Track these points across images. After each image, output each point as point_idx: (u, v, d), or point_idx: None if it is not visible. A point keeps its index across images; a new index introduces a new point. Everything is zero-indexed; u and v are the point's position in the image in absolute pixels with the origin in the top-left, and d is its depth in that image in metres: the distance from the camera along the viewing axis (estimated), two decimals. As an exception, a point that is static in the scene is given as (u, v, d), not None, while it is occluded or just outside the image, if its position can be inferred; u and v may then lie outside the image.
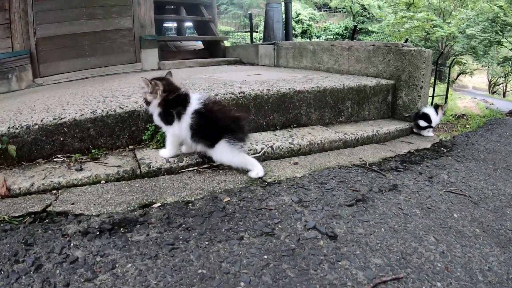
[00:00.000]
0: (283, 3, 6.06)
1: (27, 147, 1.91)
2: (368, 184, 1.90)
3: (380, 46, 3.47)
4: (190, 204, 1.58)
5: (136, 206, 1.55)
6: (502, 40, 14.75)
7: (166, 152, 1.97)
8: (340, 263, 1.23)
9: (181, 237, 1.32)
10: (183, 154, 2.02)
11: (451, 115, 5.30)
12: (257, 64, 5.44)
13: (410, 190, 1.87)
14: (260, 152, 2.19)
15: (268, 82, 2.98)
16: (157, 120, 1.91)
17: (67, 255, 1.19)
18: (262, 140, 2.32)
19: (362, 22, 22.73)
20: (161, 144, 2.10)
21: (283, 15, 6.02)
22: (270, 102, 2.58)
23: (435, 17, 17.31)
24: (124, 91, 2.80)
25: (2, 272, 1.10)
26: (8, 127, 1.87)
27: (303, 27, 22.99)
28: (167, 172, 1.91)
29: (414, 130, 3.15)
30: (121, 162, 1.92)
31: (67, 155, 1.98)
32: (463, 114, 6.10)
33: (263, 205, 1.60)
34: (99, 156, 1.99)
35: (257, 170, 1.91)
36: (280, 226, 1.45)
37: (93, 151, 2.01)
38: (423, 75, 3.11)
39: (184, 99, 1.84)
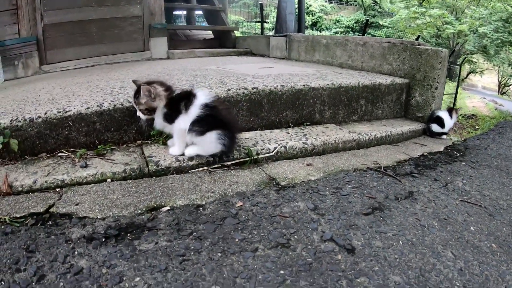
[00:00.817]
0: (296, -5, 5.90)
1: (30, 140, 1.83)
2: (384, 191, 1.82)
3: (395, 43, 3.34)
4: (201, 208, 1.49)
5: (144, 209, 1.46)
6: (514, 41, 14.43)
7: (176, 150, 1.88)
8: (358, 280, 1.15)
9: (192, 247, 1.23)
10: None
11: (460, 114, 5.18)
12: (268, 56, 5.31)
13: (426, 198, 1.80)
14: (273, 151, 2.09)
15: (281, 76, 2.87)
16: (162, 122, 1.82)
17: (71, 264, 1.10)
18: (275, 138, 2.23)
19: (373, 16, 22.32)
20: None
21: (296, 7, 5.86)
22: (284, 99, 2.47)
23: (447, 13, 16.94)
24: (132, 82, 2.70)
25: (3, 283, 1.02)
26: (11, 120, 1.78)
27: (313, 19, 22.64)
28: (176, 171, 1.82)
29: (427, 133, 3.04)
30: (128, 159, 1.83)
31: (72, 149, 1.90)
32: (473, 115, 5.97)
33: (278, 212, 1.52)
34: (105, 152, 1.90)
35: None
36: (296, 236, 1.36)
37: (99, 146, 1.92)
38: (438, 75, 2.98)
39: (187, 95, 1.80)
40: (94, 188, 1.60)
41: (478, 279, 1.22)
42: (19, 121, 1.79)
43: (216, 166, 1.91)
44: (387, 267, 1.23)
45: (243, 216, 1.46)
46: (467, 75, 23.17)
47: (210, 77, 2.84)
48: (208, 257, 1.19)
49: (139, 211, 1.44)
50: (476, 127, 4.77)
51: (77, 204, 1.46)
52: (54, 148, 1.88)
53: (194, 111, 1.75)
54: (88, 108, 1.92)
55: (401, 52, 3.25)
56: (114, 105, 1.97)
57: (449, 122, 2.99)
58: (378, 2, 22.53)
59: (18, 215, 1.36)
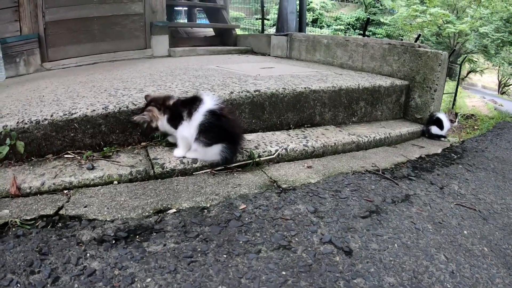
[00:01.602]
0: (297, -7, 5.91)
1: (37, 142, 1.86)
2: (382, 194, 1.88)
3: (396, 45, 3.38)
4: (206, 211, 1.54)
5: (151, 211, 1.51)
6: (515, 41, 14.46)
7: (180, 152, 1.93)
8: (355, 281, 1.21)
9: (199, 249, 1.29)
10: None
11: (458, 112, 5.22)
12: (269, 55, 5.34)
13: (422, 202, 1.85)
14: (274, 154, 2.14)
15: (283, 78, 2.91)
16: (166, 126, 1.91)
17: (84, 266, 1.15)
18: (276, 140, 2.27)
19: (374, 14, 22.28)
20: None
21: (297, 6, 5.87)
22: (285, 101, 2.51)
23: (448, 13, 16.94)
24: (136, 82, 2.74)
25: (19, 285, 1.06)
26: (17, 122, 1.82)
27: (314, 16, 22.57)
28: (180, 174, 1.87)
29: (426, 135, 3.09)
30: (133, 161, 1.88)
31: (78, 151, 1.94)
32: (472, 114, 6.03)
33: (279, 215, 1.57)
34: (111, 153, 1.94)
35: None
36: (296, 238, 1.41)
37: (104, 148, 1.96)
38: (438, 78, 3.03)
39: (193, 100, 1.88)
40: (101, 190, 1.65)
41: (468, 282, 1.27)
42: (26, 123, 1.82)
43: (219, 168, 1.96)
44: (382, 269, 1.28)
45: (247, 219, 1.51)
46: (467, 74, 23.20)
47: (213, 78, 2.88)
48: (215, 259, 1.24)
49: (147, 213, 1.49)
50: (475, 127, 4.82)
51: (85, 207, 1.50)
52: (60, 150, 1.92)
53: (200, 118, 1.79)
54: (94, 110, 1.96)
55: (401, 53, 3.29)
56: (120, 108, 2.01)
57: (447, 124, 3.05)
58: (379, -1, 22.52)
59: (28, 217, 1.41)
